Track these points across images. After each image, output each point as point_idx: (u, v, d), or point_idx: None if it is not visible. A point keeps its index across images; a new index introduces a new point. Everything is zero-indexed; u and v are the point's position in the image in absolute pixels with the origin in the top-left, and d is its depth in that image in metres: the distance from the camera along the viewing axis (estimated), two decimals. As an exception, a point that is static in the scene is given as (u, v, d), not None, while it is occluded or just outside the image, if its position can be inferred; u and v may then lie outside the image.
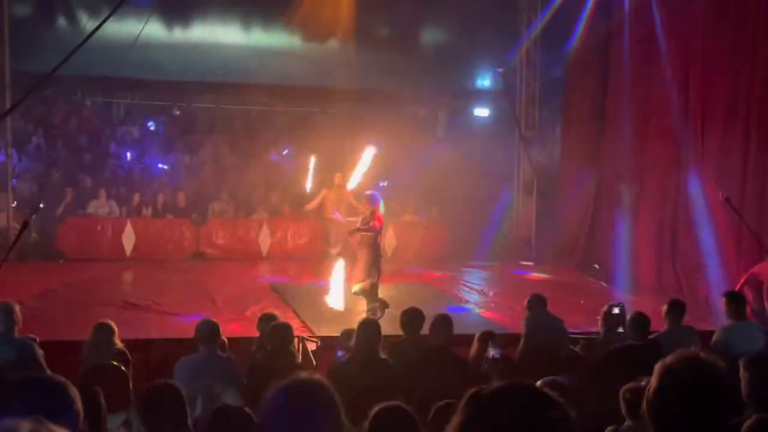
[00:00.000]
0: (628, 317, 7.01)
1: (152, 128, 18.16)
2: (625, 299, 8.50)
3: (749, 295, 8.75)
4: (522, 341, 7.30)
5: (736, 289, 8.77)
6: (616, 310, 7.27)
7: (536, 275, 14.08)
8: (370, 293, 9.31)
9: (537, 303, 7.68)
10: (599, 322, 7.38)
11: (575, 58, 15.13)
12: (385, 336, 6.14)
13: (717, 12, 11.79)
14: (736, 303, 7.18)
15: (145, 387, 4.18)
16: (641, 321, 6.72)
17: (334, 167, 13.34)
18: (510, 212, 16.26)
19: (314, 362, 7.34)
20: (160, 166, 16.93)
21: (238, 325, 8.88)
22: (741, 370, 3.90)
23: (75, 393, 2.34)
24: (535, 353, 7.00)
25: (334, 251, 12.52)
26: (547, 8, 15.28)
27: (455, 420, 1.66)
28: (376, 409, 3.15)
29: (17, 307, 6.30)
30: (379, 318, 8.18)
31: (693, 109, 12.23)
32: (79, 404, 2.33)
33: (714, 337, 6.95)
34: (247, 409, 3.53)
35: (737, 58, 11.38)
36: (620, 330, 7.15)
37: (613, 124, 14.33)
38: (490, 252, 14.95)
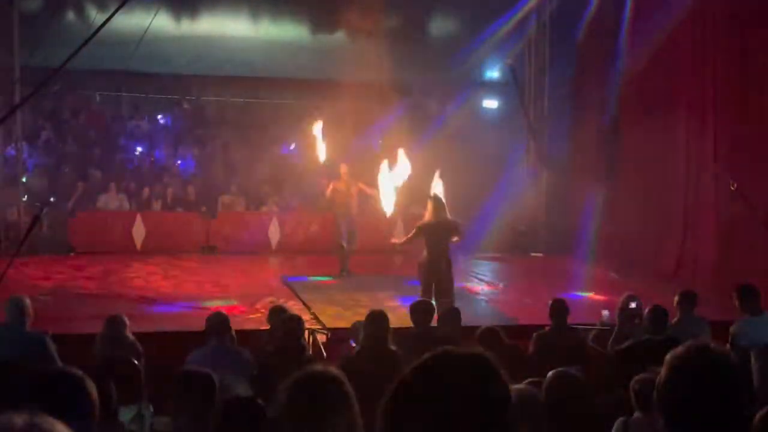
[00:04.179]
0: (645, 310, 6.92)
1: (161, 122, 18.21)
2: (635, 290, 8.45)
3: None
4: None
5: None
6: (633, 304, 7.23)
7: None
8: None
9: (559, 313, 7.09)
10: (616, 313, 7.36)
11: (585, 48, 15.08)
12: (395, 328, 6.16)
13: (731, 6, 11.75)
14: (749, 296, 7.12)
15: (181, 371, 4.22)
16: (659, 314, 6.65)
17: (341, 160, 13.29)
18: (519, 203, 16.22)
19: (324, 354, 7.36)
20: (169, 159, 16.98)
21: (249, 318, 8.91)
22: (752, 361, 3.89)
23: (91, 386, 2.37)
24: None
25: (345, 244, 12.47)
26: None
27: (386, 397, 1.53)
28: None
29: (29, 301, 6.33)
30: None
31: (707, 99, 12.17)
32: (95, 397, 2.36)
33: (732, 331, 6.89)
34: (258, 401, 3.55)
35: (752, 51, 11.30)
36: (636, 322, 7.08)
37: (625, 113, 14.28)
38: (499, 243, 14.93)
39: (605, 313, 7.59)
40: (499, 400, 1.47)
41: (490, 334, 6.35)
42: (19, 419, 1.30)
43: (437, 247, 9.08)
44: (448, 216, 9.21)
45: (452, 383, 1.46)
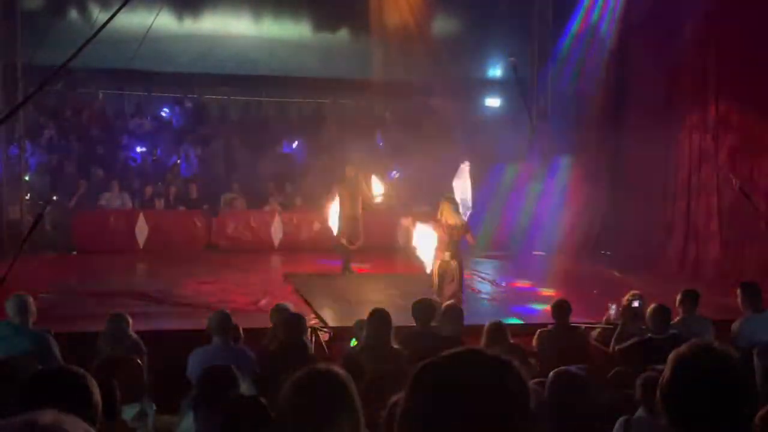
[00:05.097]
0: (647, 309, 6.91)
1: (164, 120, 18.20)
2: (638, 288, 8.45)
3: None
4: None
5: None
6: (636, 303, 7.22)
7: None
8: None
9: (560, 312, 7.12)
10: (620, 313, 7.35)
11: (587, 45, 15.06)
12: (397, 326, 6.16)
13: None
14: (752, 293, 7.12)
15: (206, 370, 4.22)
16: (662, 313, 6.64)
17: (344, 158, 13.27)
18: (522, 202, 16.20)
19: (327, 353, 7.37)
20: (171, 158, 16.98)
21: (251, 316, 8.89)
22: (755, 359, 3.89)
23: (94, 384, 2.38)
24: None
25: (347, 242, 12.42)
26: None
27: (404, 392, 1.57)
28: (394, 399, 3.17)
29: (31, 300, 6.33)
30: None
31: (709, 98, 12.16)
32: (98, 395, 2.36)
33: (734, 329, 6.89)
34: (261, 399, 3.56)
35: (758, 46, 11.27)
36: (640, 323, 7.06)
37: (628, 111, 14.26)
38: (502, 242, 14.91)
39: (612, 309, 7.57)
40: (520, 393, 1.52)
41: (497, 329, 6.38)
42: (45, 417, 1.32)
43: (449, 247, 9.11)
44: (460, 217, 9.26)
45: (479, 372, 1.52)
